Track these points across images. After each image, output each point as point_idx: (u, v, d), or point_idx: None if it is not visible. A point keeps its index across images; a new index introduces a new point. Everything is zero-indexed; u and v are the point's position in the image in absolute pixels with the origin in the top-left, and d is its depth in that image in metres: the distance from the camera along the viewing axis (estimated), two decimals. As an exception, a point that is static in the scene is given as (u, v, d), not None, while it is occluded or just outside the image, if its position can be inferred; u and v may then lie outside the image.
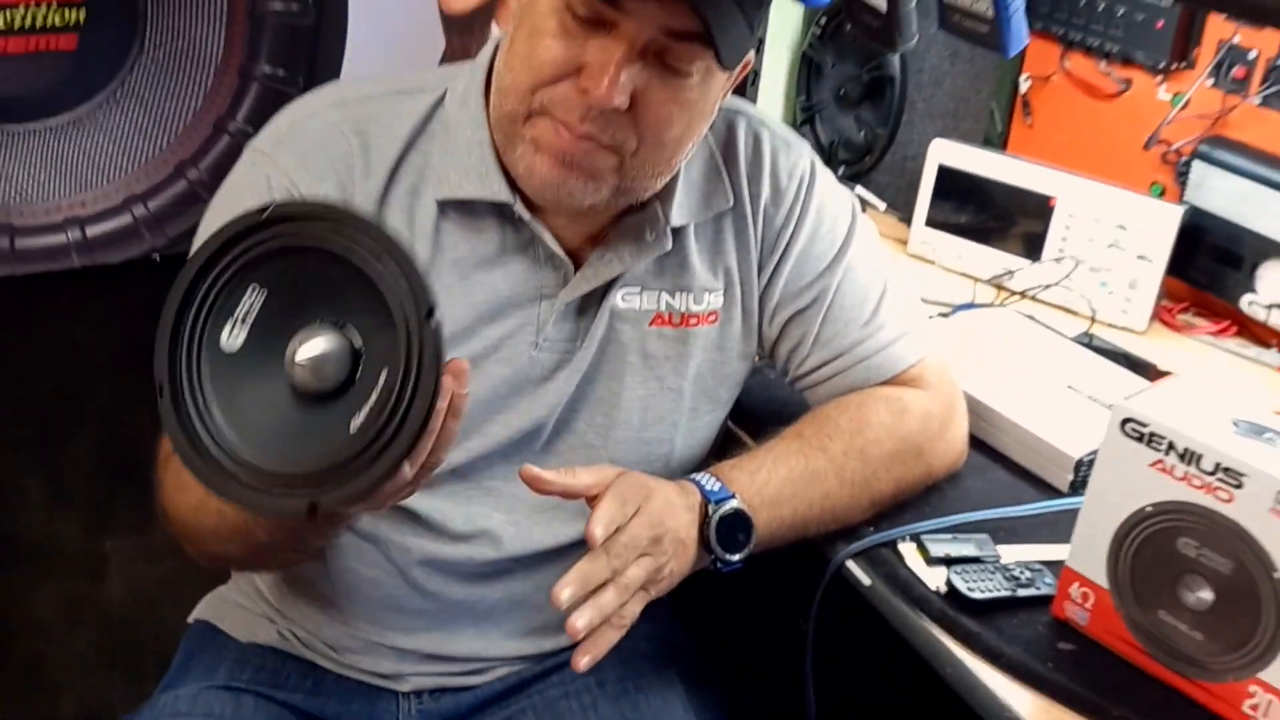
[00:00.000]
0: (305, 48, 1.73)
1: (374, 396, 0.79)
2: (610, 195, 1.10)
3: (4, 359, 1.79)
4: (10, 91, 1.59)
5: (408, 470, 0.82)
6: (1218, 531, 0.97)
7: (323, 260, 0.81)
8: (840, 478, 1.21)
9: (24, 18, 1.55)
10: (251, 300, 0.82)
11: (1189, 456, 0.97)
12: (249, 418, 0.81)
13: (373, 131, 1.13)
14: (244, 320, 0.82)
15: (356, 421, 0.79)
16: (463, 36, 1.85)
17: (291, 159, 1.12)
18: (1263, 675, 0.97)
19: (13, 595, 1.93)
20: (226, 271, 0.82)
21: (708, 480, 1.16)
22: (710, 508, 1.13)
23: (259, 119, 1.70)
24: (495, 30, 1.86)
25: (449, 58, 1.85)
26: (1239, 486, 0.95)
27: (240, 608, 1.34)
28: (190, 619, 1.39)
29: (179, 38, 1.66)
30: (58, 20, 1.57)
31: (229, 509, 1.01)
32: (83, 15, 1.58)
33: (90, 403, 1.88)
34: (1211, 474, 0.96)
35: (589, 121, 1.03)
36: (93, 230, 1.71)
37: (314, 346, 0.80)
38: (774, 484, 1.18)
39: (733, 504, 1.14)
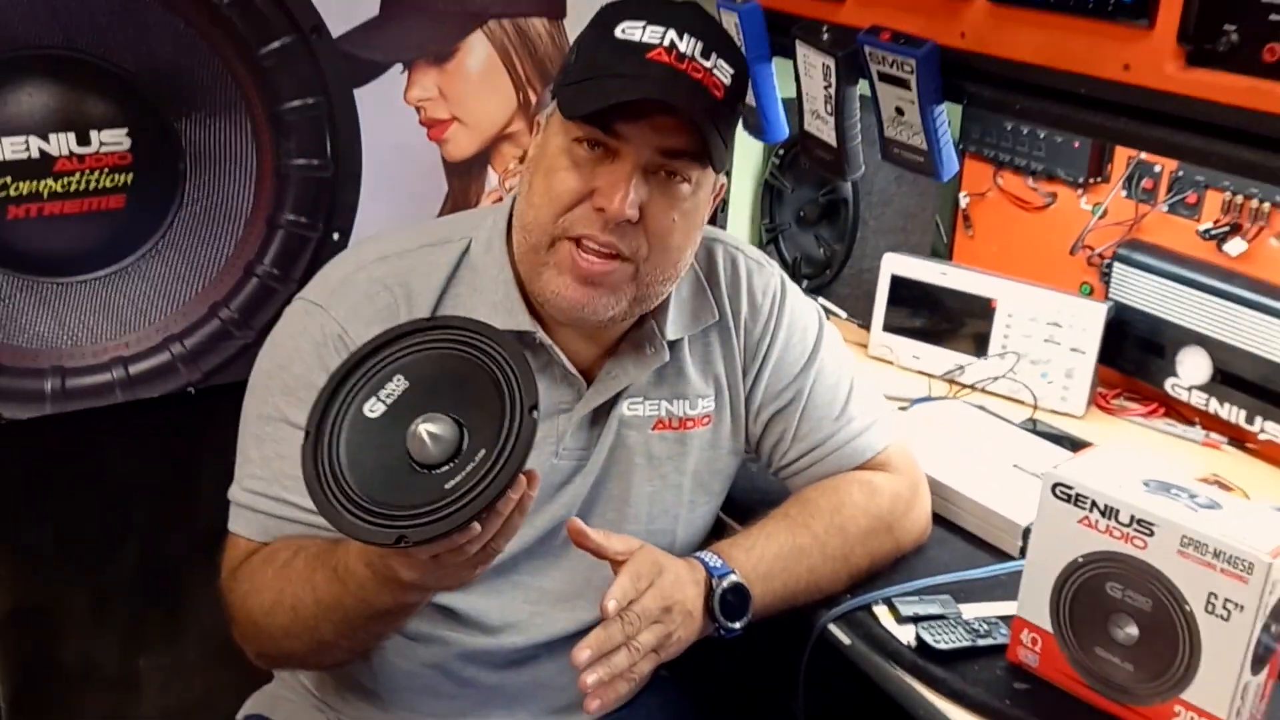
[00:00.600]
0: (325, 197, 1.93)
1: (469, 467, 0.99)
2: (629, 305, 1.27)
3: (52, 488, 1.93)
4: (66, 248, 1.77)
5: (477, 528, 1.00)
6: (1136, 574, 1.15)
7: (460, 360, 1.04)
8: (823, 553, 1.37)
9: (79, 182, 1.75)
10: (395, 386, 1.04)
11: (1109, 512, 1.16)
12: (367, 469, 1.01)
13: (412, 282, 1.30)
14: (385, 400, 1.04)
15: (450, 484, 0.98)
16: (462, 181, 2.06)
17: (343, 309, 1.28)
18: (1184, 695, 1.14)
19: (53, 713, 2.03)
20: (383, 362, 1.05)
21: (711, 558, 1.31)
22: (714, 581, 1.28)
23: (283, 262, 1.93)
24: (491, 174, 2.08)
25: (451, 200, 2.06)
26: (1151, 535, 1.13)
27: (290, 701, 1.48)
28: (240, 715, 1.52)
29: (214, 194, 1.85)
30: (108, 183, 1.77)
31: (302, 607, 1.18)
32: (130, 178, 1.78)
33: (130, 526, 2.01)
34: (1128, 525, 1.15)
35: (608, 233, 1.22)
36: (135, 368, 1.88)
37: (432, 430, 1.00)
38: (766, 560, 1.34)
39: (733, 578, 1.29)
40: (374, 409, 1.04)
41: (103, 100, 1.74)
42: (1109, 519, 1.16)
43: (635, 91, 1.18)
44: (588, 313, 1.25)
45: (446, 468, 1.00)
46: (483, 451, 0.99)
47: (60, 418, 1.86)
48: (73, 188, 1.75)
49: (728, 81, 1.23)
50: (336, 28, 1.87)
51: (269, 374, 1.30)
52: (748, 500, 1.57)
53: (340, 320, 1.27)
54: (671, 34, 1.20)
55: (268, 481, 1.27)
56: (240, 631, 1.27)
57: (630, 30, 1.21)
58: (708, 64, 1.21)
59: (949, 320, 2.03)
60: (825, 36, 1.61)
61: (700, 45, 1.21)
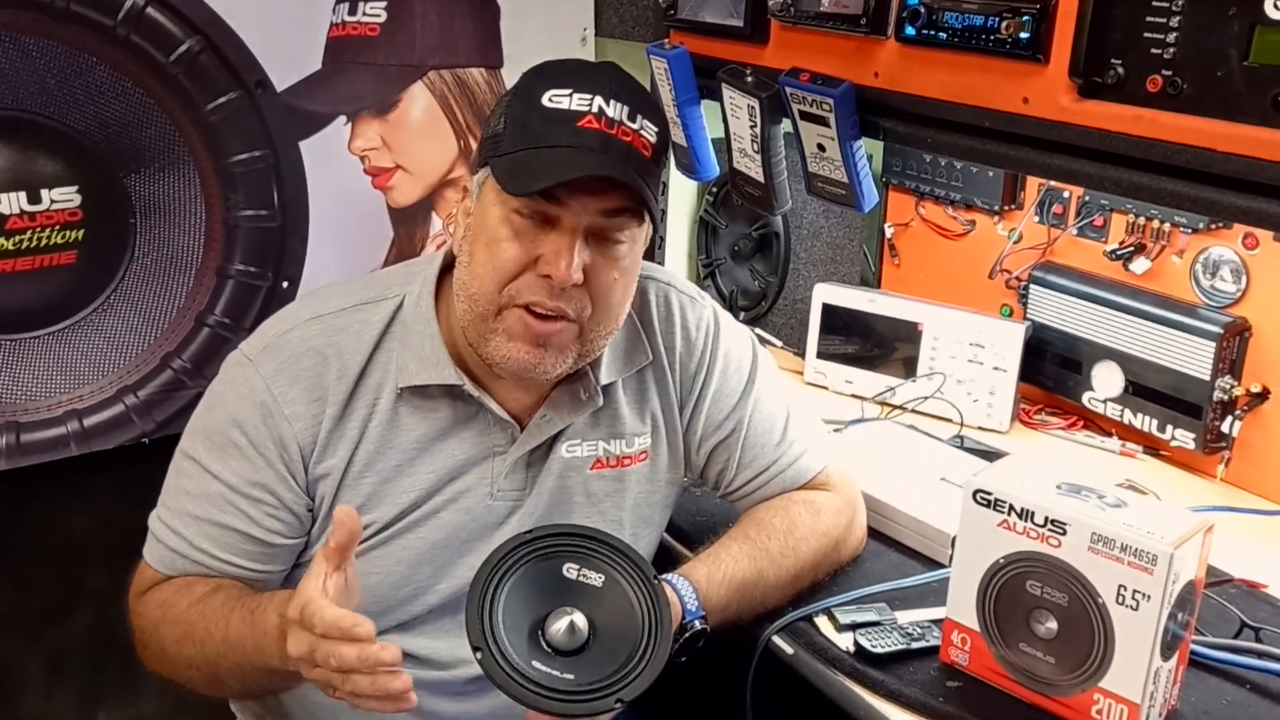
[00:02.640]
0: (273, 247, 1.98)
1: (549, 671, 1.16)
2: (574, 361, 1.33)
3: (8, 543, 1.94)
4: (18, 305, 1.80)
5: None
6: (1053, 571, 1.23)
7: (640, 616, 1.22)
8: (777, 575, 1.44)
9: (30, 240, 1.78)
10: (595, 578, 1.23)
11: (1025, 514, 1.24)
12: (519, 593, 1.20)
13: (343, 341, 1.34)
14: (581, 577, 1.23)
15: (534, 663, 1.16)
16: (407, 227, 2.12)
17: (270, 366, 1.33)
18: (1102, 684, 1.22)
19: (10, 773, 2.04)
20: (611, 560, 1.25)
21: (689, 597, 1.35)
22: (685, 624, 1.33)
23: (234, 311, 1.98)
24: (435, 220, 2.14)
25: (396, 246, 2.12)
26: (1064, 534, 1.22)
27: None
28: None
29: (164, 247, 1.90)
30: (60, 240, 1.81)
31: (210, 642, 1.25)
32: (81, 234, 1.82)
33: (86, 579, 2.02)
34: (1043, 526, 1.23)
35: (555, 299, 1.27)
36: (89, 421, 1.91)
37: (576, 625, 1.18)
38: (731, 590, 1.39)
39: (699, 625, 1.34)
40: (570, 572, 1.23)
41: (53, 159, 1.78)
42: (1026, 521, 1.24)
43: (575, 168, 1.23)
44: (538, 372, 1.31)
45: (546, 652, 1.17)
46: (570, 677, 1.16)
47: (14, 473, 1.87)
48: (24, 245, 1.78)
49: (654, 140, 1.29)
50: (280, 82, 1.93)
51: (199, 414, 1.37)
52: (692, 524, 1.64)
53: (266, 377, 1.32)
54: (599, 100, 1.24)
55: (172, 514, 1.34)
56: (146, 653, 1.35)
57: (558, 98, 1.25)
58: (635, 126, 1.26)
59: (879, 345, 2.11)
60: (749, 79, 1.70)
61: (626, 109, 1.25)
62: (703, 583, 1.38)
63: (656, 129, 1.30)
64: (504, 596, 1.18)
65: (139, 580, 1.37)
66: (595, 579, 1.22)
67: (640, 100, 1.29)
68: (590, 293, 1.29)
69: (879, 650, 1.35)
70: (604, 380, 1.42)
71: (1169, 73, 1.21)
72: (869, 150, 1.66)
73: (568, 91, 1.25)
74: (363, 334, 1.36)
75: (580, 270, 1.26)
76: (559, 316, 1.28)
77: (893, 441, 1.86)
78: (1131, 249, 1.88)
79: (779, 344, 2.32)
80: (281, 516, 1.33)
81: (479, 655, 1.14)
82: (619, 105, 1.26)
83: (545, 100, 1.25)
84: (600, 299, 1.30)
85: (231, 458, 1.32)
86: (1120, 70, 1.26)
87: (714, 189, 2.43)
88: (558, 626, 1.18)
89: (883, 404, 2.07)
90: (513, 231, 1.27)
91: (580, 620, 1.19)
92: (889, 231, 2.28)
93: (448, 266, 1.39)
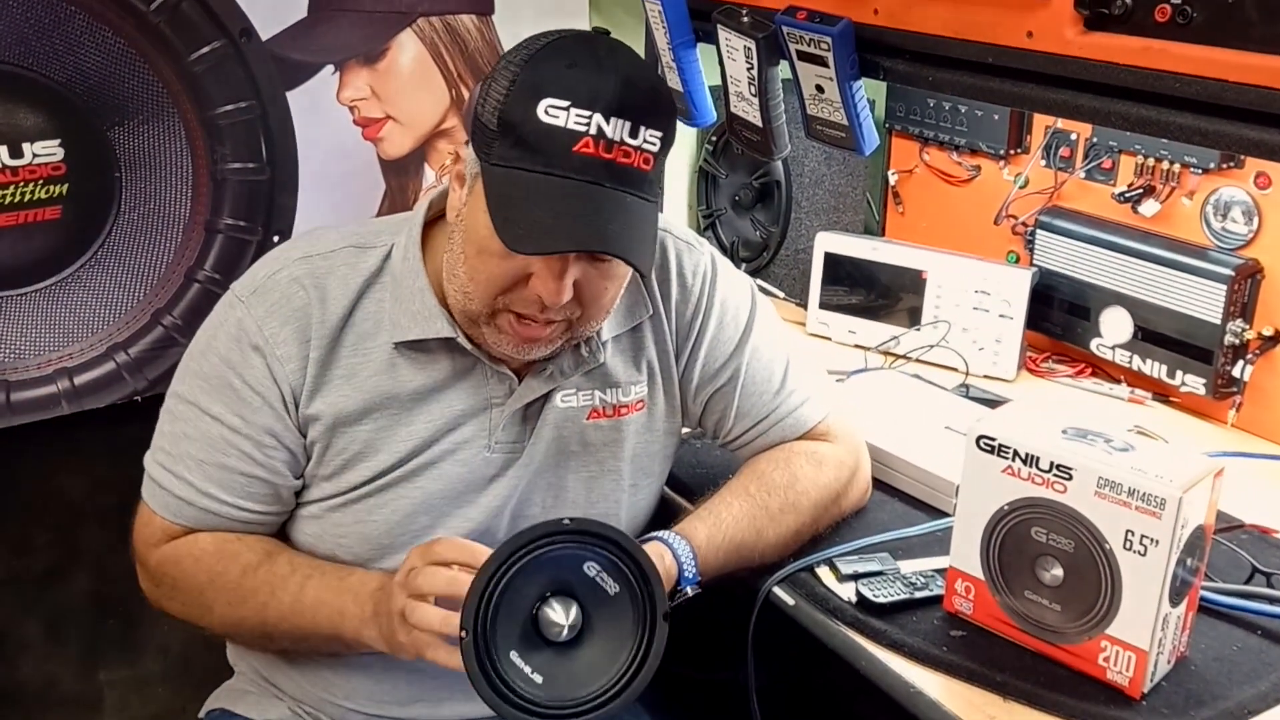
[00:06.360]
0: (262, 200, 1.94)
1: (542, 673, 1.16)
2: (563, 345, 1.32)
3: (2, 506, 1.92)
4: (4, 261, 1.77)
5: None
6: (1058, 517, 1.20)
7: (636, 618, 1.20)
8: (777, 532, 1.42)
9: (13, 195, 1.75)
10: (612, 582, 1.20)
11: (1030, 460, 1.21)
12: (522, 591, 1.18)
13: (329, 284, 1.32)
14: (599, 575, 1.19)
15: (514, 657, 1.16)
16: (400, 179, 2.08)
17: (262, 308, 1.31)
18: (1109, 631, 1.19)
19: (14, 737, 2.03)
20: (631, 569, 1.20)
21: (687, 562, 1.33)
22: (679, 591, 1.31)
23: (224, 266, 1.94)
24: (428, 171, 2.10)
25: (389, 198, 2.08)
26: (1070, 479, 1.18)
27: (250, 694, 1.50)
28: (202, 713, 1.54)
29: (151, 201, 1.86)
30: (43, 195, 1.77)
31: (273, 607, 1.31)
32: (65, 189, 1.79)
33: (83, 539, 2.00)
34: (1048, 471, 1.20)
35: (545, 312, 1.25)
36: (80, 379, 1.88)
37: (571, 624, 1.17)
38: (724, 553, 1.37)
39: (693, 588, 1.33)
40: (590, 569, 1.19)
41: (34, 112, 1.74)
42: (1030, 466, 1.21)
43: (563, 235, 1.18)
44: (526, 360, 1.33)
45: (531, 637, 1.17)
46: (538, 680, 1.15)
47: (6, 433, 1.85)
48: (7, 200, 1.75)
49: (656, 148, 1.21)
50: (265, 30, 1.88)
51: (192, 356, 1.36)
52: (692, 476, 1.62)
53: (258, 319, 1.31)
54: (598, 119, 1.16)
55: (174, 459, 1.34)
56: (171, 604, 1.41)
57: (555, 111, 1.16)
58: (635, 143, 1.19)
59: (882, 294, 2.07)
60: (745, 19, 1.65)
61: (628, 126, 1.18)
62: (703, 547, 1.36)
63: (661, 134, 1.21)
64: (512, 577, 1.16)
65: (147, 530, 1.37)
66: (611, 587, 1.20)
67: (645, 105, 1.20)
68: (580, 300, 1.26)
69: (881, 600, 1.33)
70: (605, 336, 1.40)
71: (1178, 1, 1.17)
72: (871, 95, 1.62)
73: (565, 104, 1.16)
74: (350, 278, 1.34)
75: (570, 290, 1.23)
76: (548, 321, 1.27)
77: (897, 391, 1.83)
78: (1140, 191, 1.84)
79: (781, 295, 2.28)
80: (282, 456, 1.33)
81: (463, 636, 1.14)
82: (620, 122, 1.17)
83: (541, 112, 1.17)
84: (591, 305, 1.28)
85: (229, 400, 1.31)
86: (1127, 0, 1.22)
87: (713, 138, 2.38)
88: (554, 612, 1.17)
89: (887, 354, 2.04)
90: (503, 247, 1.20)
91: (576, 616, 1.18)
92: (892, 178, 2.24)
93: (433, 217, 1.37)
